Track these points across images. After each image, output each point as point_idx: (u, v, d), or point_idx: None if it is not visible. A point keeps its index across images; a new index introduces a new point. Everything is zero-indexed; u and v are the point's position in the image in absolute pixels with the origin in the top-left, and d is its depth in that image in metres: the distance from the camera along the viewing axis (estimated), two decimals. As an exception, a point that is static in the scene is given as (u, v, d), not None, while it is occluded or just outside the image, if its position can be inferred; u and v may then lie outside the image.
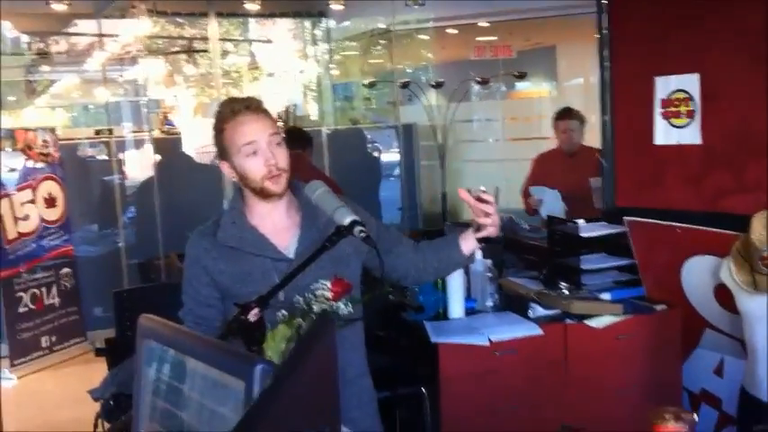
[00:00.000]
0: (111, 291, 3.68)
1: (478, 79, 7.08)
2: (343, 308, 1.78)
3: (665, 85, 3.23)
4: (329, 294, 1.76)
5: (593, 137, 4.64)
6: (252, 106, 2.00)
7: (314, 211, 1.92)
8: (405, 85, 7.27)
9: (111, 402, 2.91)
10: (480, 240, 2.09)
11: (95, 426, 3.04)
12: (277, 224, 2.06)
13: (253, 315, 1.52)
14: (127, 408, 2.95)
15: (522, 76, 7.45)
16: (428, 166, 7.72)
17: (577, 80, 9.71)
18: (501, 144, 8.00)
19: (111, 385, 2.94)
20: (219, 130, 2.01)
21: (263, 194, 2.01)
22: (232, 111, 1.98)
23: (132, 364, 2.96)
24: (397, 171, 7.95)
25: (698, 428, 3.27)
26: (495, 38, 8.06)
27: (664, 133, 3.26)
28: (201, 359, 1.02)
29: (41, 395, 5.31)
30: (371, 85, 8.36)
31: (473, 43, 7.86)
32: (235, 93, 11.29)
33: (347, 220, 1.76)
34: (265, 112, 2.02)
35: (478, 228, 2.05)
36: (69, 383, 5.40)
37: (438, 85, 7.24)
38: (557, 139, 4.74)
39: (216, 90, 7.60)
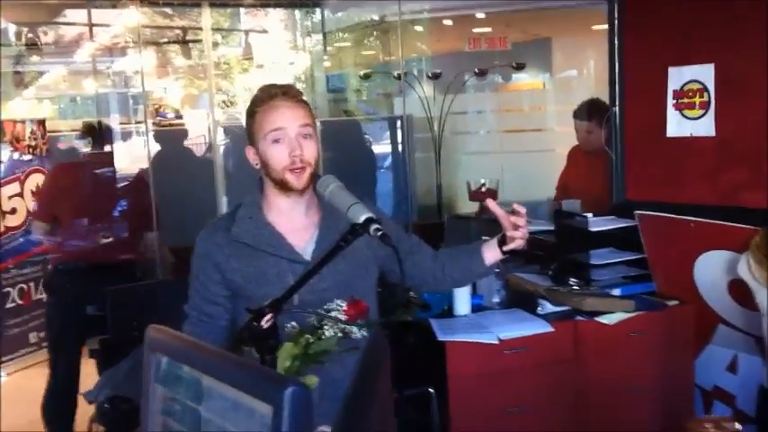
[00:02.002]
0: (106, 288, 3.54)
1: (476, 71, 6.95)
2: (357, 332, 1.68)
3: (678, 76, 3.14)
4: (343, 317, 1.66)
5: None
6: (289, 93, 1.91)
7: (334, 212, 1.80)
8: (400, 77, 7.14)
9: (107, 405, 2.79)
10: (505, 252, 1.99)
11: (89, 430, 2.92)
12: (295, 223, 1.95)
13: (266, 321, 1.41)
14: (123, 411, 2.85)
15: (520, 68, 7.34)
16: (422, 158, 7.62)
17: (571, 72, 9.63)
18: (496, 136, 7.90)
19: (105, 387, 2.81)
20: (251, 114, 1.92)
21: (283, 187, 1.91)
22: (269, 95, 1.90)
23: (128, 365, 2.86)
24: (387, 162, 7.84)
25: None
26: (491, 29, 7.96)
27: (676, 125, 3.17)
28: (221, 378, 0.91)
29: (30, 393, 5.15)
30: (367, 77, 8.21)
31: (468, 35, 7.74)
32: (225, 84, 11.15)
33: (362, 218, 1.65)
34: (303, 103, 1.93)
35: (503, 239, 1.96)
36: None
37: (435, 77, 7.12)
38: None
39: (206, 81, 7.47)
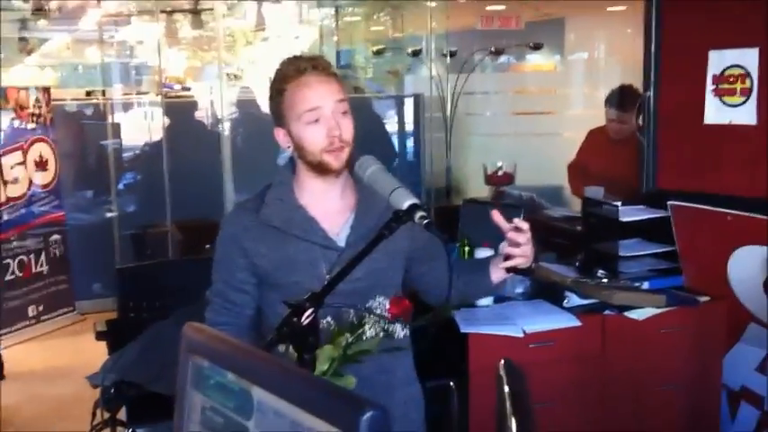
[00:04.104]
0: (107, 263, 3.41)
1: (493, 49, 6.78)
2: (400, 331, 1.55)
3: (718, 60, 2.99)
4: (387, 315, 1.52)
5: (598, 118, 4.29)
6: (319, 66, 1.73)
7: (371, 194, 1.65)
8: (415, 54, 6.96)
9: (112, 390, 2.66)
10: (509, 270, 1.79)
11: (94, 415, 2.78)
12: (330, 206, 1.79)
13: (306, 318, 1.27)
14: (129, 396, 2.72)
15: (538, 48, 7.16)
16: (431, 139, 7.46)
17: (583, 54, 9.43)
18: (506, 118, 7.74)
19: (111, 371, 2.68)
20: (278, 92, 1.74)
21: (320, 169, 1.75)
22: (297, 69, 1.72)
23: (136, 349, 2.73)
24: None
25: (737, 428, 3.10)
26: (504, 7, 7.76)
27: (715, 112, 3.02)
28: (277, 393, 0.78)
29: (28, 367, 5.06)
30: (379, 53, 7.99)
31: (480, 12, 7.55)
32: (228, 57, 10.93)
33: (406, 204, 1.51)
34: (334, 75, 1.75)
35: (507, 256, 1.75)
36: (57, 356, 5.14)
37: (452, 55, 6.94)
38: None
39: (209, 53, 7.29)
